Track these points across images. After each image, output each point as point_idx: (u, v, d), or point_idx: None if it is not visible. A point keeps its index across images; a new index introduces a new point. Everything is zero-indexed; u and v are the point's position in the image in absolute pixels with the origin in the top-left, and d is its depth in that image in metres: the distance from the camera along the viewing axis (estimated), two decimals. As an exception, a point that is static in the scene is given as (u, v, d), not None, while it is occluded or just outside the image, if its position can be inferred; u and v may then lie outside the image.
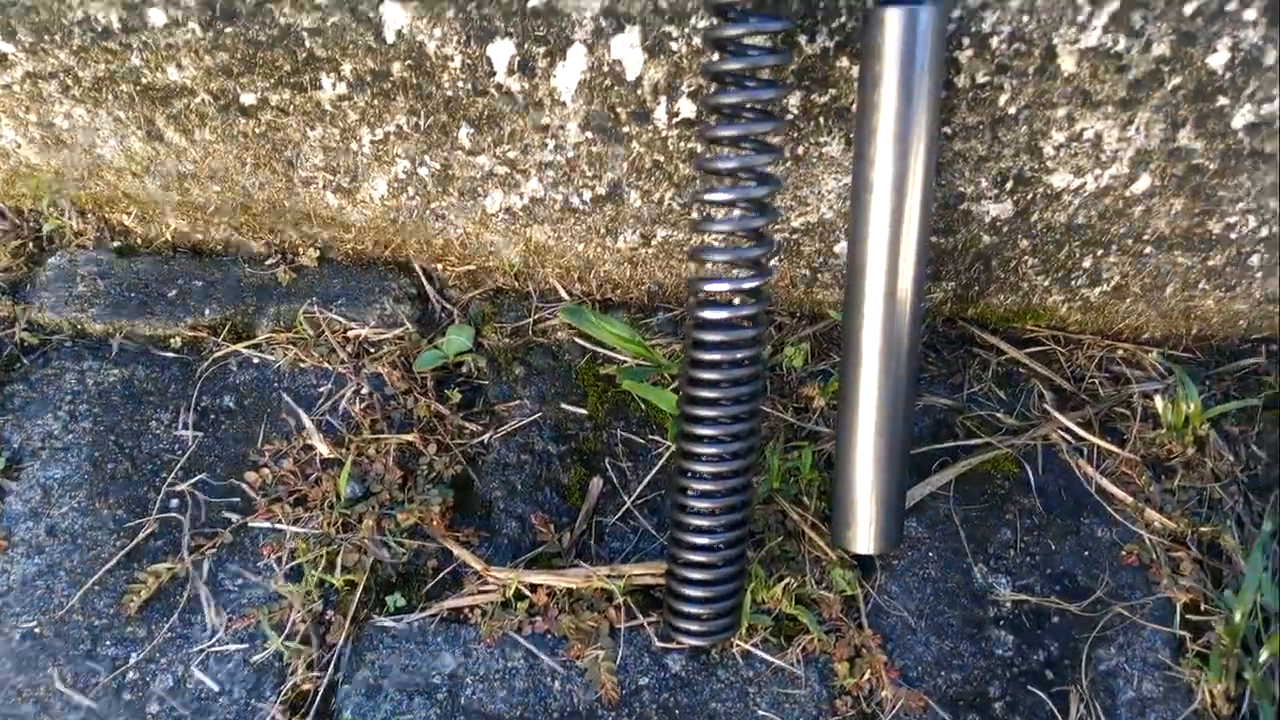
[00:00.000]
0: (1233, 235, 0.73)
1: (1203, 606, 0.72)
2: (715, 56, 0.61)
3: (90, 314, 0.88)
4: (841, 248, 0.79)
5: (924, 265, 0.64)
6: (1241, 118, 0.64)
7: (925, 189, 0.62)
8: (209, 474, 0.81)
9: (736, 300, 0.66)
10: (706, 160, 0.62)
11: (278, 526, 0.77)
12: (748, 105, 0.60)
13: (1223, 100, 0.63)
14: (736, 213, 0.63)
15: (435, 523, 0.77)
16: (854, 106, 0.67)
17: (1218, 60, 0.61)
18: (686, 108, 0.69)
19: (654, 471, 0.81)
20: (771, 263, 0.80)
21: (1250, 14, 0.58)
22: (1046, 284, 0.80)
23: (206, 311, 0.89)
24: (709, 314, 0.64)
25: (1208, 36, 0.60)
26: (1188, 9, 0.58)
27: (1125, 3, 0.58)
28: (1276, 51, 0.60)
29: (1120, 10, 0.59)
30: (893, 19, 0.57)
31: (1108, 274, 0.78)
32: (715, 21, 0.59)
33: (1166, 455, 0.80)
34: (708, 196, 0.62)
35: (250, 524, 0.78)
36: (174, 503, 0.80)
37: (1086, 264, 0.78)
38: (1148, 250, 0.75)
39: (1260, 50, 0.60)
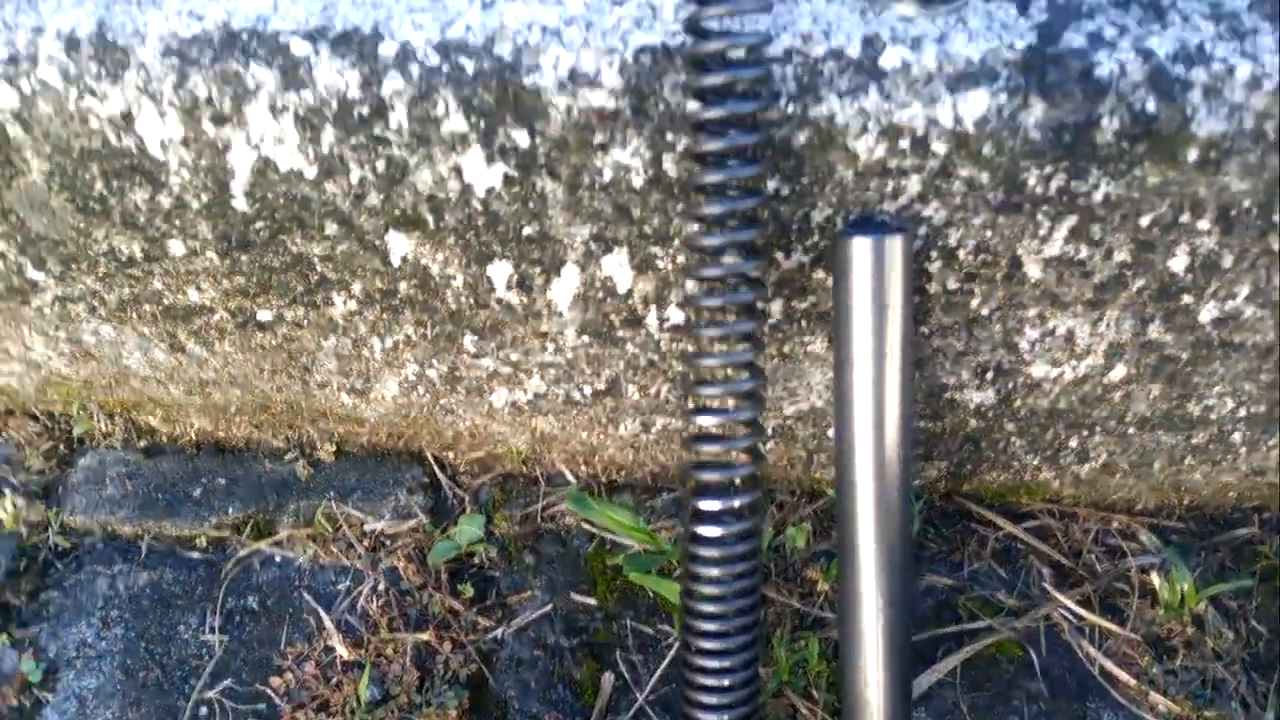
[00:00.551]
0: (1212, 416, 0.72)
1: (1216, 795, 0.69)
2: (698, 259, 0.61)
3: (120, 516, 0.89)
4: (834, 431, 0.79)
5: (909, 454, 0.64)
6: (1207, 313, 0.64)
7: (904, 387, 0.62)
8: (235, 679, 0.80)
9: (734, 487, 0.65)
10: (694, 356, 0.62)
11: (299, 733, 0.76)
12: (728, 308, 0.61)
13: (1187, 298, 0.63)
14: (729, 404, 0.63)
15: (449, 725, 0.75)
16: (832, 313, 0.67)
17: (1178, 264, 0.61)
18: (675, 315, 0.70)
19: (664, 664, 0.78)
20: (764, 450, 0.80)
21: (1204, 224, 0.59)
22: (1036, 462, 0.79)
23: (230, 510, 0.89)
24: (705, 504, 0.64)
25: (1166, 244, 0.60)
26: (1143, 221, 0.59)
27: (1083, 218, 0.59)
28: (1232, 256, 0.60)
29: (1079, 224, 0.60)
30: (860, 247, 0.58)
31: (1095, 453, 0.77)
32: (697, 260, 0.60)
33: (1167, 634, 0.77)
34: (700, 390, 0.63)
35: (273, 730, 0.76)
36: (203, 711, 0.79)
37: (1073, 444, 0.77)
38: (1131, 431, 0.74)
39: (1218, 254, 0.60)
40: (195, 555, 0.88)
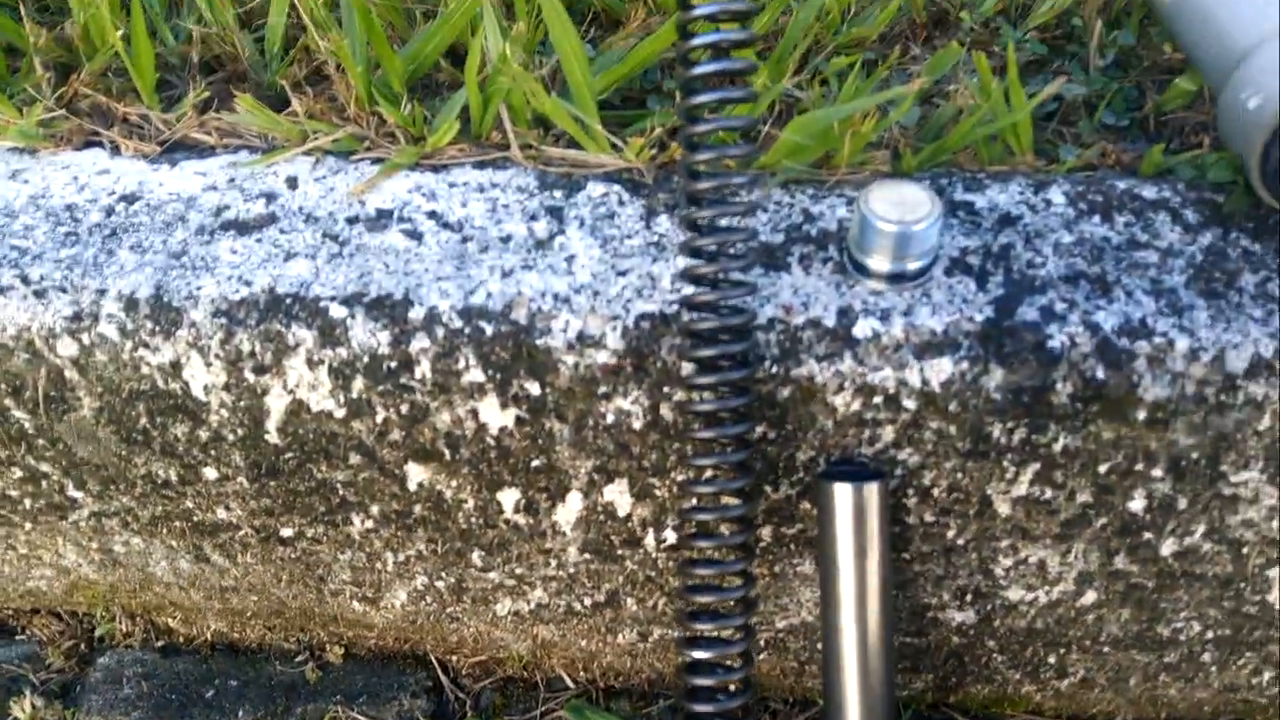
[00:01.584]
0: (1181, 637, 0.73)
1: None
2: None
3: (134, 716, 0.88)
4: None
5: (892, 683, 0.65)
6: (1168, 547, 0.66)
7: (884, 614, 0.64)
8: None
9: (727, 690, 0.65)
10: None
11: None
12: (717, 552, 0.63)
13: (1148, 535, 0.66)
14: (719, 639, 0.65)
15: None
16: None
17: (1137, 505, 0.64)
18: (671, 536, 0.72)
19: None
20: (759, 658, 0.80)
21: (1157, 471, 0.62)
22: (1018, 677, 0.79)
23: (240, 712, 0.88)
24: (698, 708, 0.64)
25: (1124, 488, 0.63)
26: (1102, 469, 0.62)
27: (1045, 465, 0.62)
28: (1187, 499, 0.63)
29: (1042, 470, 0.62)
30: (841, 492, 0.61)
31: (1072, 669, 0.78)
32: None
33: None
34: (693, 624, 0.64)
35: None
36: None
37: (1051, 660, 0.77)
38: (1106, 649, 0.75)
39: (1172, 498, 0.63)
40: (204, 759, 0.86)
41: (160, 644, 0.93)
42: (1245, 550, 0.66)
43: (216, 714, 0.88)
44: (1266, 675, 0.75)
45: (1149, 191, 0.64)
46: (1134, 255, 0.61)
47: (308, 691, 0.89)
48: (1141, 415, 0.58)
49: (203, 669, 0.91)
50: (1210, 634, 0.73)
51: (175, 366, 0.64)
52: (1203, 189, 0.64)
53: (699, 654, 0.65)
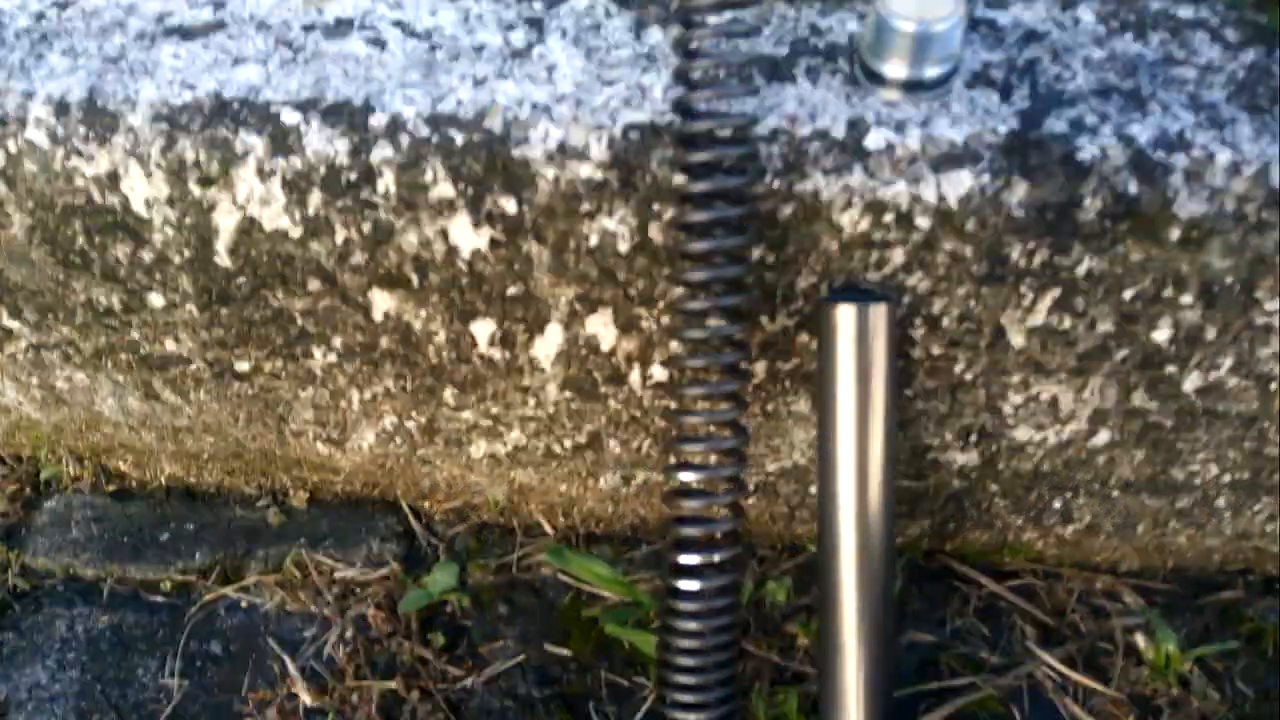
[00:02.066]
0: (1196, 481, 0.76)
1: None
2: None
3: (83, 559, 0.91)
4: (816, 489, 0.82)
5: (892, 514, 0.68)
6: (1190, 383, 0.68)
7: (886, 450, 0.66)
8: (193, 726, 0.82)
9: (714, 541, 0.68)
10: (678, 414, 0.66)
11: (261, 785, 0.78)
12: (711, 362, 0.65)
13: (1171, 368, 0.67)
14: (711, 460, 0.67)
15: (419, 782, 0.77)
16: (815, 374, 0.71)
17: (1161, 336, 0.65)
18: (659, 372, 0.74)
19: (639, 717, 0.82)
20: (743, 509, 0.83)
21: (1187, 299, 0.63)
22: (1020, 522, 0.83)
23: (197, 555, 0.91)
24: (684, 558, 0.67)
25: (1149, 316, 0.64)
26: (1127, 295, 0.63)
27: (1066, 290, 0.63)
28: (1215, 329, 0.64)
29: (1062, 296, 0.63)
30: (845, 314, 0.62)
31: (1078, 514, 0.81)
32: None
33: (1152, 694, 0.81)
34: (683, 450, 0.66)
35: (234, 782, 0.79)
36: (158, 759, 0.81)
37: (1057, 505, 0.80)
38: (1115, 494, 0.78)
39: (1200, 328, 0.64)
40: (159, 599, 0.90)
41: (111, 488, 0.96)
42: (1273, 386, 0.68)
43: (172, 556, 0.91)
44: (1280, 520, 0.79)
45: (1185, 11, 0.63)
46: (1170, 71, 0.61)
47: (270, 535, 0.92)
48: (1174, 234, 0.59)
49: (157, 513, 0.94)
50: (1227, 477, 0.76)
51: (113, 178, 0.63)
52: (1243, 10, 0.63)
53: (687, 503, 0.68)
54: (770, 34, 0.62)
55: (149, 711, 0.83)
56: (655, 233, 0.63)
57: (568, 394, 0.77)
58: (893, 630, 0.72)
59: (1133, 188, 0.58)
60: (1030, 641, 0.84)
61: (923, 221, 0.60)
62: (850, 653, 0.70)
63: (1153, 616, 0.82)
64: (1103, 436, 0.73)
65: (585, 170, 0.60)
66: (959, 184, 0.58)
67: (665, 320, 0.69)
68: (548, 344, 0.73)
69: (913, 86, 0.57)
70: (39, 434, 0.92)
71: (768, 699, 0.81)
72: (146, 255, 0.69)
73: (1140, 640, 0.83)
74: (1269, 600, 0.86)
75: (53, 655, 0.87)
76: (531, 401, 0.78)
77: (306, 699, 0.83)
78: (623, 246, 0.64)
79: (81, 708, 0.83)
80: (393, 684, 0.83)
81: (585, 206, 0.62)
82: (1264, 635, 0.84)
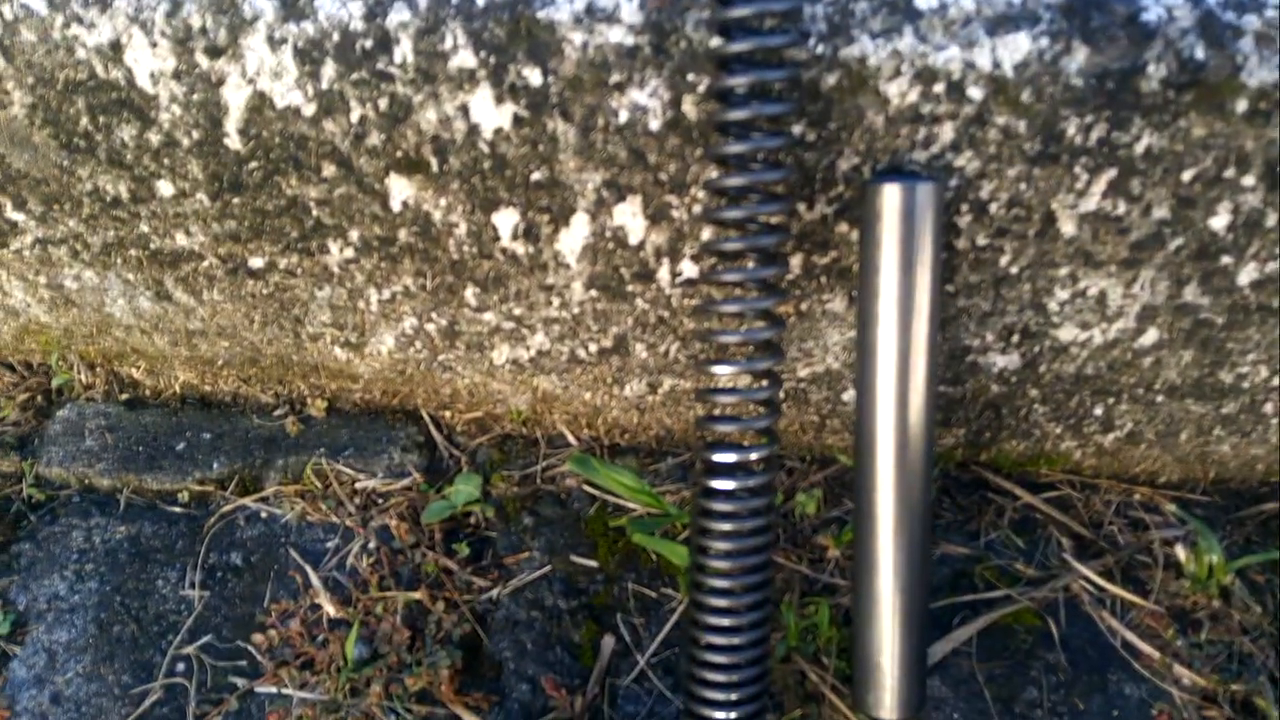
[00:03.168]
0: (1245, 385, 0.72)
1: (1239, 772, 0.69)
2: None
3: (98, 469, 0.88)
4: (849, 396, 0.79)
5: (933, 418, 0.64)
6: (1246, 275, 0.64)
7: (930, 346, 0.62)
8: (215, 636, 0.80)
9: (746, 441, 0.65)
10: (713, 304, 0.62)
11: (284, 692, 0.76)
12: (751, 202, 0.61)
13: (1226, 259, 0.63)
14: (744, 354, 0.63)
15: (444, 687, 0.75)
16: (855, 267, 0.67)
17: (1219, 222, 0.61)
18: (689, 269, 0.70)
19: (668, 628, 0.79)
20: (780, 402, 0.80)
21: (1249, 180, 0.58)
22: (1059, 431, 0.79)
23: (214, 465, 0.88)
24: (718, 456, 0.64)
25: (1207, 201, 0.60)
26: (1186, 176, 0.59)
27: (1122, 171, 0.59)
28: (1277, 214, 0.60)
29: (1118, 178, 0.59)
30: (891, 194, 0.58)
31: (1120, 421, 0.77)
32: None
33: (1192, 607, 0.78)
34: (717, 339, 0.62)
35: (257, 689, 0.77)
36: (180, 667, 0.79)
37: (1098, 412, 0.77)
38: (1159, 399, 0.74)
39: (1261, 213, 0.60)
40: (176, 510, 0.87)
41: (124, 397, 0.93)
42: (1334, 278, 0.63)
43: (189, 465, 0.88)
44: (1330, 428, 0.75)
45: None
46: (1248, -74, 0.56)
47: (288, 445, 0.89)
48: (1241, 106, 0.55)
49: (172, 421, 0.91)
50: (1277, 380, 0.72)
51: (115, 48, 0.59)
52: None
53: (720, 400, 0.64)
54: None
55: (170, 623, 0.81)
56: (689, 108, 0.59)
57: (593, 293, 0.73)
58: (929, 541, 0.69)
59: (1199, 53, 0.53)
60: (1067, 554, 0.81)
61: (975, 92, 0.56)
62: (885, 564, 0.67)
63: (1198, 525, 0.78)
64: (1150, 336, 0.69)
65: (615, 34, 0.55)
66: (1015, 48, 0.54)
67: (697, 209, 0.65)
68: (573, 237, 0.69)
69: (969, -61, 0.53)
70: (49, 338, 0.89)
71: (798, 611, 0.78)
72: (154, 137, 0.65)
73: (1180, 552, 0.79)
74: (1314, 512, 0.82)
75: (71, 566, 0.84)
76: (556, 301, 0.74)
77: (330, 610, 0.80)
78: (654, 124, 0.60)
79: (101, 619, 0.81)
80: (417, 595, 0.81)
81: (615, 77, 0.57)
82: (1308, 548, 0.80)
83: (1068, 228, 0.62)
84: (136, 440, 0.90)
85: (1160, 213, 0.61)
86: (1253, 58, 0.53)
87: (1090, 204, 0.61)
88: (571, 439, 0.90)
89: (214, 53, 0.59)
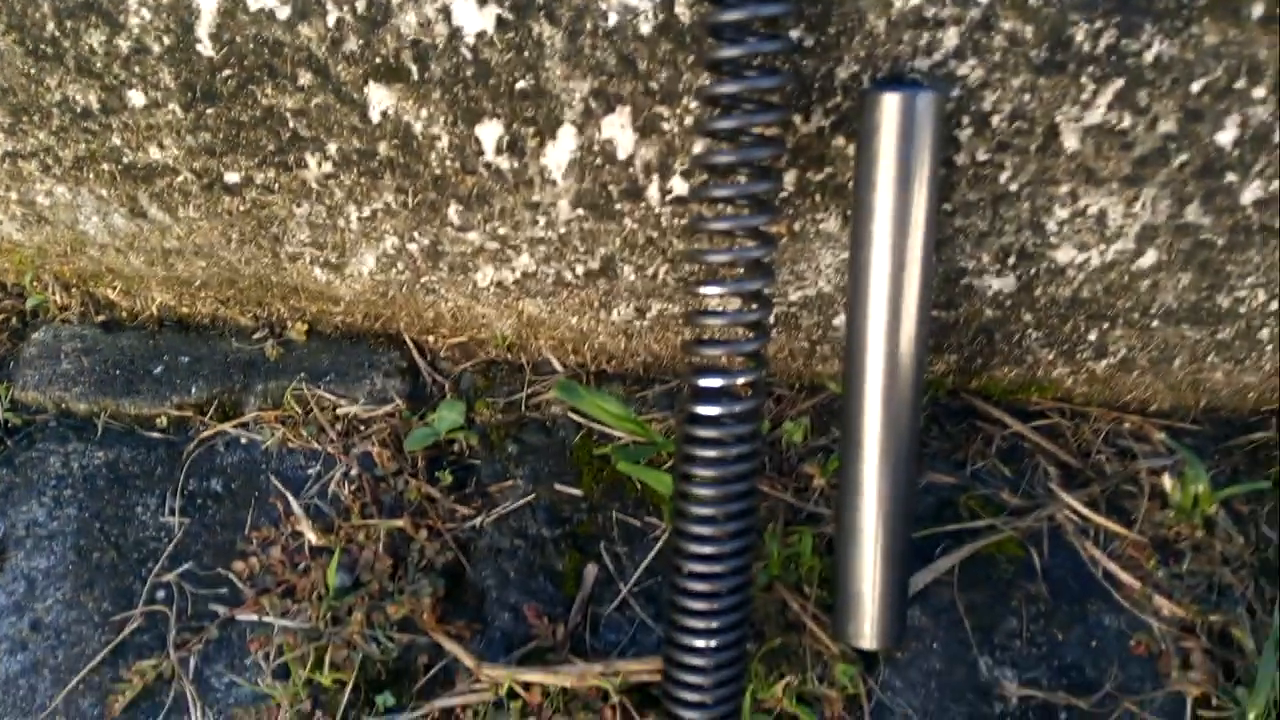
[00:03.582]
0: (1241, 309, 0.70)
1: (1214, 701, 0.68)
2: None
3: (75, 393, 0.85)
4: (840, 320, 0.76)
5: (924, 343, 0.61)
6: (1250, 193, 0.61)
7: (925, 267, 0.59)
8: (196, 563, 0.78)
9: (734, 365, 0.62)
10: (703, 221, 0.59)
11: (265, 620, 0.74)
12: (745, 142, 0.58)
13: (1231, 177, 0.60)
14: (734, 275, 0.60)
15: (426, 615, 0.73)
16: (850, 184, 0.64)
17: (1226, 137, 0.58)
18: (679, 185, 0.67)
19: (651, 556, 0.77)
20: (770, 326, 0.77)
21: (1259, 91, 0.56)
22: (1051, 357, 0.77)
23: (193, 389, 0.85)
24: (705, 381, 0.61)
25: (1215, 114, 0.57)
26: (1195, 87, 0.56)
27: (1130, 81, 0.56)
28: (1286, 129, 0.57)
29: (1125, 88, 0.56)
30: (890, 103, 0.54)
31: (1114, 347, 0.75)
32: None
33: (1175, 537, 0.76)
34: (707, 258, 0.59)
35: (237, 617, 0.75)
36: (160, 594, 0.76)
37: (1092, 337, 0.74)
38: (1155, 324, 0.72)
39: (1269, 127, 0.57)
40: (155, 435, 0.85)
41: (101, 319, 0.89)
42: (1339, 198, 0.61)
43: (167, 389, 0.85)
44: (1324, 356, 0.73)
45: None
46: None
47: (268, 369, 0.86)
48: (1257, 10, 0.51)
49: (149, 344, 0.88)
50: (1275, 305, 0.69)
51: (75, -63, 0.55)
52: None
53: (709, 323, 0.61)
54: None
55: (150, 550, 0.79)
56: (682, 9, 0.55)
57: (580, 211, 0.70)
58: (915, 470, 0.67)
59: (1219, -47, 0.50)
60: (1053, 483, 0.79)
61: (980, -6, 0.52)
62: (870, 492, 0.65)
63: (1186, 454, 0.77)
64: (1149, 258, 0.67)
65: (606, -74, 0.51)
66: (1025, -55, 0.50)
67: (689, 121, 0.62)
68: (559, 151, 0.65)
69: None
70: (22, 258, 0.85)
71: (782, 539, 0.76)
72: (123, 43, 0.61)
73: (1166, 482, 0.78)
74: (1302, 442, 0.80)
75: (49, 492, 0.81)
76: (541, 220, 0.71)
77: (312, 537, 0.78)
78: (645, 27, 0.56)
79: (81, 545, 0.79)
80: (400, 523, 0.78)
81: (605, -26, 0.54)
82: (1295, 477, 0.79)
83: (1070, 142, 0.59)
84: (113, 363, 0.86)
85: (1166, 126, 0.58)
86: (1272, -41, 0.50)
87: (1095, 116, 0.58)
88: (558, 365, 0.87)
89: (181, -56, 0.55)
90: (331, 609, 0.73)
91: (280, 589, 0.75)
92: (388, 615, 0.72)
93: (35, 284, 0.88)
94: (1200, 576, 0.75)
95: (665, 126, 0.62)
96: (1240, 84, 0.55)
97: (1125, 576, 0.75)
